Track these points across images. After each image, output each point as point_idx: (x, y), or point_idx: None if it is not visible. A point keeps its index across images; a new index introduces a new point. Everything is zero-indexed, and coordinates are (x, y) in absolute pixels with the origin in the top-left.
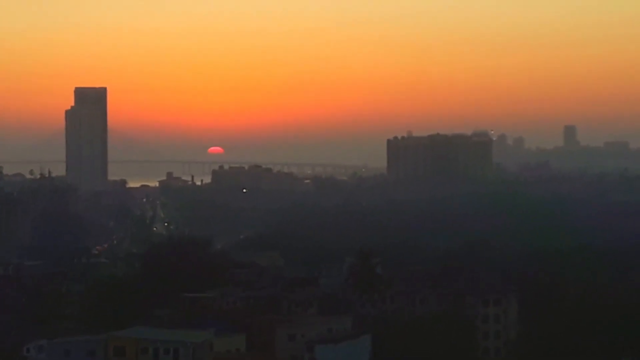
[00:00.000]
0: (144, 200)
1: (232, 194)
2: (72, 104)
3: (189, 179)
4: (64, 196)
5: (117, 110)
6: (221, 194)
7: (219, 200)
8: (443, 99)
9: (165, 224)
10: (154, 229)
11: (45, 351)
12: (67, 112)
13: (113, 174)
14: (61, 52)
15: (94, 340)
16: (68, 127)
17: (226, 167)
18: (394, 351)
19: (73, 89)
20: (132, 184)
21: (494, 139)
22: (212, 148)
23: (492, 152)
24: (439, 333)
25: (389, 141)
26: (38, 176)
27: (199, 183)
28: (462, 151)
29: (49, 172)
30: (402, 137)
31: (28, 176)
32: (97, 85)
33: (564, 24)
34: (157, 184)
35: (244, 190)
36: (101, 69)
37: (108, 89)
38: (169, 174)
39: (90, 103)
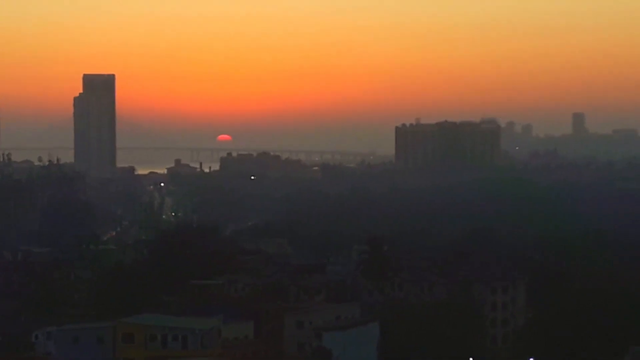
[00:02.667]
0: (152, 187)
1: (240, 181)
2: (81, 90)
3: (197, 166)
4: (72, 183)
5: (125, 97)
6: (229, 181)
7: (227, 187)
8: (451, 86)
9: (173, 212)
10: (162, 216)
11: (53, 338)
12: (75, 99)
13: (121, 161)
14: (70, 39)
15: (102, 326)
16: (76, 114)
17: (234, 154)
18: (402, 338)
19: (81, 75)
20: (141, 171)
21: (503, 126)
22: (221, 136)
23: (501, 140)
24: (447, 320)
25: (397, 128)
26: (46, 163)
27: (207, 170)
28: (471, 138)
29: (57, 159)
30: (411, 125)
31: (36, 163)
32: (105, 72)
33: (573, 10)
34: (165, 171)
35: (252, 178)
36: (109, 56)
37: (116, 76)
38: (177, 161)
39: (98, 90)
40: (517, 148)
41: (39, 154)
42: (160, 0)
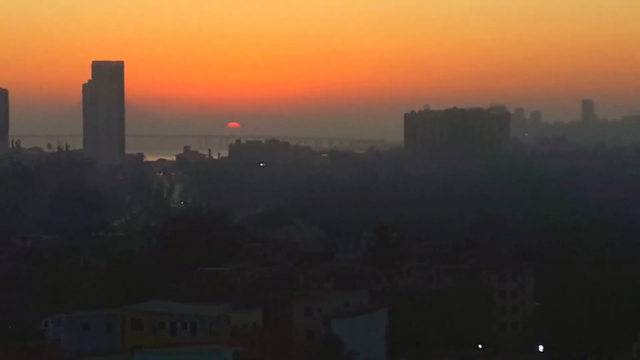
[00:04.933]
0: (161, 174)
1: (249, 167)
2: (90, 77)
3: (206, 153)
4: (81, 170)
5: (134, 84)
6: (238, 167)
7: (235, 174)
8: (460, 73)
9: (182, 199)
10: (171, 203)
11: (62, 325)
12: (84, 85)
13: (130, 148)
14: (78, 26)
15: (111, 314)
16: (85, 100)
17: (243, 141)
18: (410, 326)
19: (90, 62)
20: (150, 157)
21: (511, 112)
22: (231, 123)
23: (510, 126)
24: (455, 308)
25: (406, 115)
26: (55, 150)
27: (216, 157)
28: (480, 125)
29: (67, 146)
30: (419, 111)
31: (45, 150)
32: (114, 59)
33: None
34: (174, 158)
35: (261, 164)
36: (118, 42)
37: (125, 63)
38: (186, 148)
39: (107, 77)
40: (526, 135)
41: (48, 141)
42: None
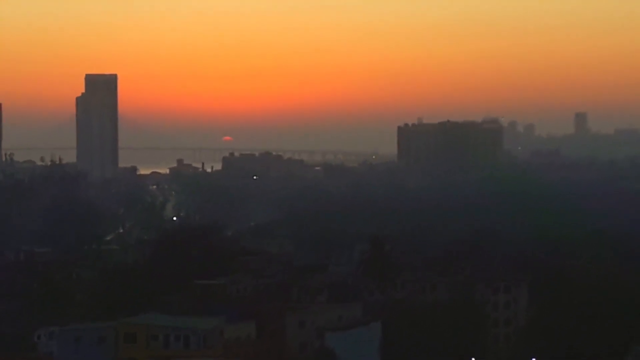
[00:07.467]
0: (155, 187)
1: (243, 180)
2: (83, 90)
3: (200, 165)
4: (75, 183)
5: (127, 97)
6: (231, 180)
7: (229, 187)
8: (454, 85)
9: (176, 212)
10: (164, 216)
11: (55, 338)
12: (77, 99)
13: (123, 161)
14: (72, 38)
15: (104, 327)
16: (79, 113)
17: (236, 154)
18: (403, 338)
19: (83, 75)
20: (143, 170)
21: (505, 125)
22: (225, 137)
23: (503, 139)
24: (448, 320)
25: (399, 128)
26: (49, 163)
27: (209, 170)
28: (473, 138)
29: (60, 159)
30: (413, 124)
31: (39, 163)
32: (107, 72)
33: (576, 9)
34: (167, 171)
35: (255, 177)
36: (112, 55)
37: (118, 76)
38: (180, 161)
39: (100, 90)
40: (519, 148)
41: (41, 154)
42: (162, 0)
